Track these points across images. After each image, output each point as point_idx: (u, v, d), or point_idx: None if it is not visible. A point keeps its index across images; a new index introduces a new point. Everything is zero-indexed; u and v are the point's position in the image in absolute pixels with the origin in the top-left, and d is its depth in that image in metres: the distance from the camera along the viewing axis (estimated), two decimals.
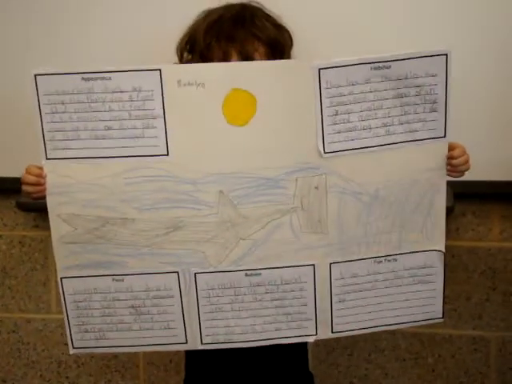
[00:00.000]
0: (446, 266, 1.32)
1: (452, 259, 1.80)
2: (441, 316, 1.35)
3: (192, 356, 1.51)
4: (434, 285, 1.32)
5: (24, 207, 1.80)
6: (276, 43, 1.31)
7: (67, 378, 2.03)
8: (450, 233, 1.74)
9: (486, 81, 1.63)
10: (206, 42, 1.29)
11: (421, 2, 1.59)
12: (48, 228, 1.25)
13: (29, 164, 1.24)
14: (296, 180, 1.22)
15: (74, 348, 1.32)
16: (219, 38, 1.28)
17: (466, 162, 1.27)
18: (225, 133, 1.19)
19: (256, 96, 1.18)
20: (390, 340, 1.90)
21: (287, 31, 1.36)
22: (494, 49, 1.60)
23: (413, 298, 1.32)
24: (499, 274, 1.82)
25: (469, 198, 1.73)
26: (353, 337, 1.85)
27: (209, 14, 1.34)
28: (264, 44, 1.29)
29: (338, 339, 1.90)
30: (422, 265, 1.31)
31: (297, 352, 1.49)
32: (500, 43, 1.59)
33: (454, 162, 1.25)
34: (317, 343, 1.90)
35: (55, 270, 1.28)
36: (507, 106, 1.64)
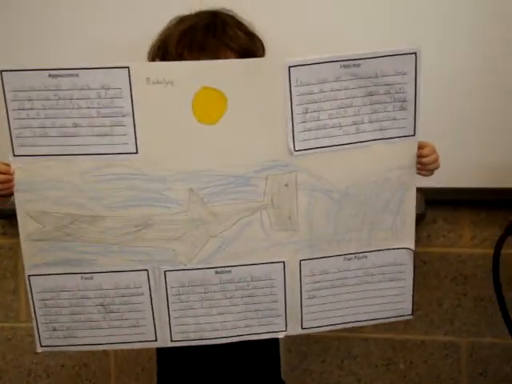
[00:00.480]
0: (415, 263, 1.33)
1: (423, 265, 1.81)
2: (410, 313, 1.36)
3: (164, 363, 1.50)
4: (404, 282, 1.33)
5: None
6: (248, 52, 1.30)
7: None
8: (421, 239, 1.74)
9: (459, 91, 1.63)
10: (177, 52, 1.28)
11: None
12: (17, 235, 1.23)
13: None
14: (266, 178, 1.22)
15: (41, 346, 1.31)
16: (191, 48, 1.27)
17: (436, 160, 1.28)
18: (194, 131, 1.18)
19: (226, 94, 1.17)
20: (363, 346, 1.90)
21: (259, 39, 1.35)
22: (473, 57, 1.62)
23: (382, 295, 1.33)
24: (470, 280, 1.83)
25: (440, 204, 1.73)
26: (325, 344, 1.87)
27: (181, 21, 1.33)
28: (236, 53, 1.28)
29: (310, 346, 1.91)
30: (391, 262, 1.31)
31: (269, 360, 1.49)
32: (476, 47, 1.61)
33: (424, 160, 1.26)
34: (289, 350, 1.90)
35: (25, 278, 1.26)
36: (479, 113, 1.65)
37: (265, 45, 1.36)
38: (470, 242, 1.80)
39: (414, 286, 1.34)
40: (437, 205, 1.72)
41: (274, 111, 1.19)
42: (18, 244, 1.24)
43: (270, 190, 1.23)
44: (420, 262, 1.77)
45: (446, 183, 1.62)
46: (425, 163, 1.26)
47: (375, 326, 1.85)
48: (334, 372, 1.93)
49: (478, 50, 1.61)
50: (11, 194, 1.22)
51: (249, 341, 1.38)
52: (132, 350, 1.96)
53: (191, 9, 1.34)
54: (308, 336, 1.91)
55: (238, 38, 1.28)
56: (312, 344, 1.90)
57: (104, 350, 1.97)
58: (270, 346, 1.48)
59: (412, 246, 1.31)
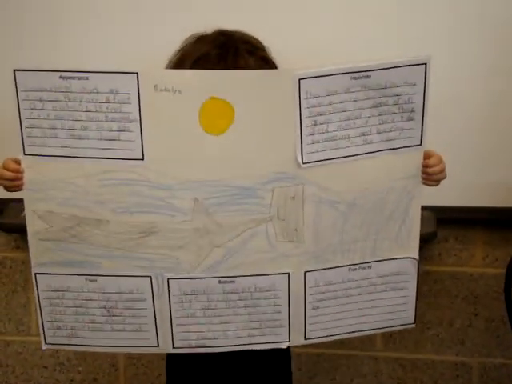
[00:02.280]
0: (419, 271, 1.31)
1: (434, 284, 1.79)
2: (412, 322, 1.35)
3: (173, 381, 1.49)
4: (407, 291, 1.32)
5: (5, 228, 1.77)
6: None
7: None
8: (432, 258, 1.74)
9: (469, 107, 1.62)
10: None
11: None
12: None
13: (6, 158, 1.23)
14: (273, 190, 1.21)
15: (46, 344, 1.32)
16: None
17: (442, 170, 1.26)
18: (201, 141, 1.17)
19: (234, 105, 1.16)
20: (372, 365, 1.89)
21: (273, 64, 1.31)
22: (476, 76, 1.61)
23: (385, 304, 1.32)
24: (481, 300, 1.81)
25: (451, 223, 1.72)
26: (335, 362, 1.86)
27: (198, 40, 1.30)
28: None
29: (319, 364, 1.90)
30: (395, 272, 1.30)
31: (280, 378, 1.48)
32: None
33: (430, 170, 1.24)
34: (299, 368, 1.89)
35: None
36: (490, 131, 1.63)
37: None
38: (481, 261, 1.78)
39: (417, 294, 1.33)
40: (448, 223, 1.70)
41: (282, 123, 1.17)
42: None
43: (276, 202, 1.22)
44: (431, 280, 1.76)
45: (457, 202, 1.61)
46: (431, 173, 1.24)
47: (385, 344, 1.85)
48: None
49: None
50: (20, 190, 1.22)
51: (260, 359, 1.39)
52: (141, 365, 1.97)
53: (206, 28, 1.31)
54: (318, 354, 1.90)
55: (248, 67, 1.24)
56: (322, 362, 1.90)
57: (113, 365, 1.97)
58: (281, 364, 1.47)
59: (416, 256, 1.30)
